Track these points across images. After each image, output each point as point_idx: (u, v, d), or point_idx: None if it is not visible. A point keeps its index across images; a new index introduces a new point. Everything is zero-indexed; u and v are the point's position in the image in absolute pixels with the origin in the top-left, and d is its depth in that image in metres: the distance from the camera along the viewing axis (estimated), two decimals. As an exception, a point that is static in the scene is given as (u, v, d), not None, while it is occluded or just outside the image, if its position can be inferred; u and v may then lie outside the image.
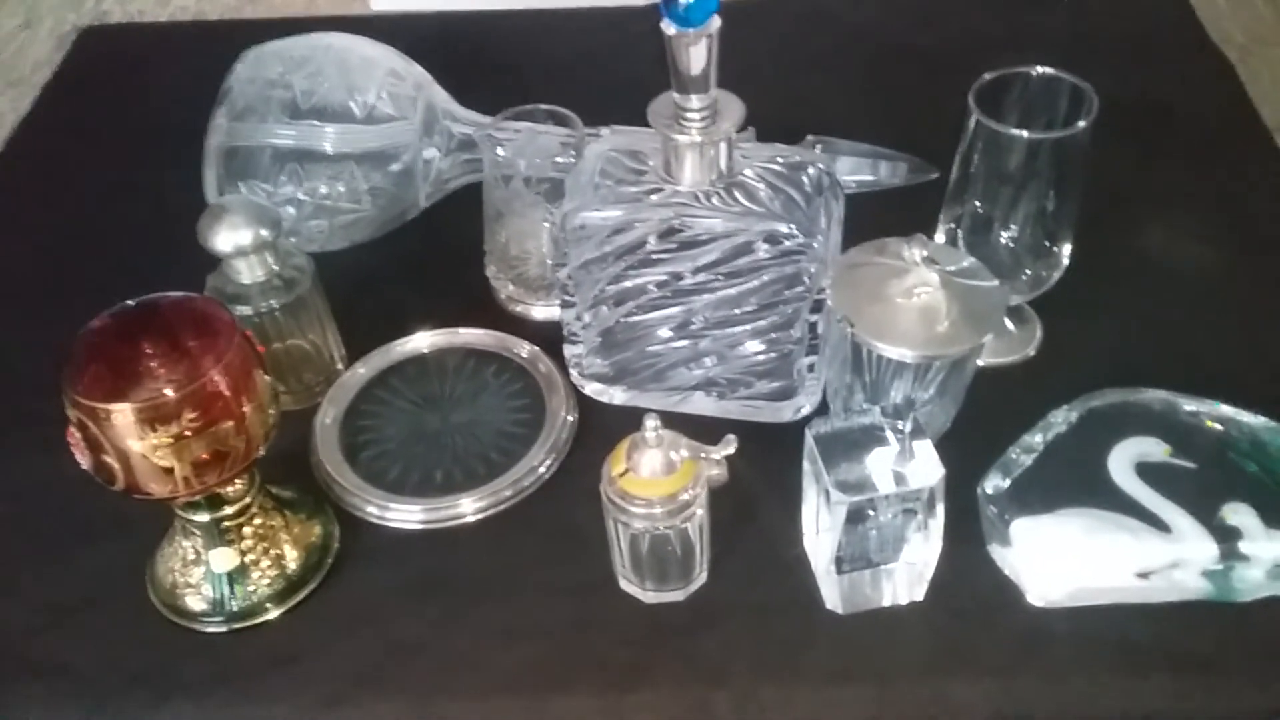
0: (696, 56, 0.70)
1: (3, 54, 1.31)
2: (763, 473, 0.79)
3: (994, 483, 0.75)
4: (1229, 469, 0.74)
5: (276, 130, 0.91)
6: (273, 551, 0.75)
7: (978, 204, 0.82)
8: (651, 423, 0.68)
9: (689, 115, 0.73)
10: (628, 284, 0.79)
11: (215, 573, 0.74)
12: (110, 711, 0.71)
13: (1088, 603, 0.72)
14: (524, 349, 0.89)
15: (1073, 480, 0.74)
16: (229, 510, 0.73)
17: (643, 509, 0.70)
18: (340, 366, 0.89)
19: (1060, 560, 0.71)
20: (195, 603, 0.75)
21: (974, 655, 0.71)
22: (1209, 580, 0.71)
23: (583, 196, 0.77)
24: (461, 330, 0.91)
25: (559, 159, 0.88)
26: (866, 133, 1.02)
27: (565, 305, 0.83)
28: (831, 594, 0.73)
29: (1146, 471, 0.74)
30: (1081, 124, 0.77)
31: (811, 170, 0.78)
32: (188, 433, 0.65)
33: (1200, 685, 0.70)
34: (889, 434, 0.70)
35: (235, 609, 0.74)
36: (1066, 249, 0.83)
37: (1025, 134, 0.77)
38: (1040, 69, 0.80)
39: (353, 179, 0.92)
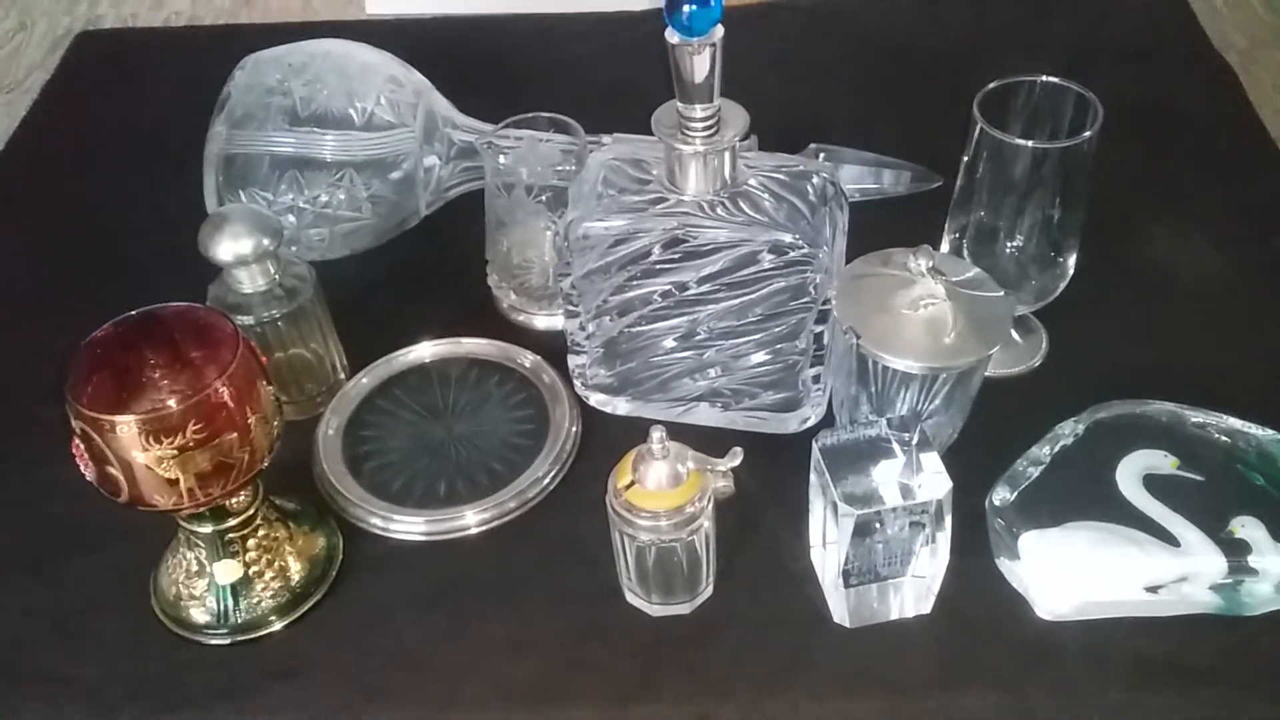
0: (700, 66, 0.70)
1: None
2: (768, 485, 0.79)
3: (1001, 495, 0.74)
4: (1237, 482, 0.74)
5: (276, 137, 0.90)
6: (277, 563, 0.75)
7: (983, 213, 0.82)
8: (658, 434, 0.68)
9: (692, 125, 0.72)
10: (631, 294, 0.79)
11: (219, 584, 0.74)
12: (112, 724, 0.71)
13: (1096, 616, 0.72)
14: (527, 359, 0.89)
15: (1080, 493, 0.74)
16: (233, 522, 0.73)
17: (649, 521, 0.69)
18: (342, 376, 0.89)
19: (1068, 574, 0.71)
20: (199, 615, 0.74)
21: (982, 669, 0.71)
22: (1217, 594, 0.70)
23: (586, 206, 0.77)
24: (464, 340, 0.90)
25: (561, 167, 0.87)
26: (870, 141, 1.02)
27: (569, 315, 0.82)
28: (839, 607, 0.72)
29: (1154, 484, 0.74)
30: (1087, 134, 0.76)
31: (816, 179, 0.78)
32: (192, 444, 0.65)
33: (1208, 699, 0.69)
34: (896, 446, 0.69)
35: (239, 621, 0.74)
36: (1072, 259, 0.83)
37: (1030, 143, 0.77)
38: (1045, 77, 0.80)
39: (353, 186, 0.92)
